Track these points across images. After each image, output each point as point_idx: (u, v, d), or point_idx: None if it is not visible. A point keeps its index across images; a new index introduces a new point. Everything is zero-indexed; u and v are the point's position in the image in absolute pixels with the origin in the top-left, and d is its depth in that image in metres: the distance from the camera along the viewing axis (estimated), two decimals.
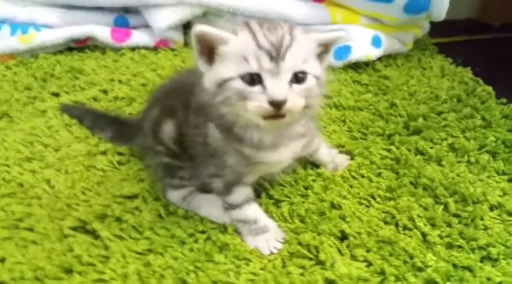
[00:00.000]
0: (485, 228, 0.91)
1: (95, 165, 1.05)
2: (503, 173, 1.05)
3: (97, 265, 0.83)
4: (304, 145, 0.88)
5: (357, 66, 1.43)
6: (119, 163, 1.06)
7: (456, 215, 0.94)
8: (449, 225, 0.92)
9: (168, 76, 1.23)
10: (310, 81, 0.72)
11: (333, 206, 0.95)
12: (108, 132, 1.12)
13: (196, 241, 0.88)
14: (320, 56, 0.77)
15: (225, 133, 0.79)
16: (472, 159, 1.08)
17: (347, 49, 1.39)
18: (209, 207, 0.94)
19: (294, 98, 0.69)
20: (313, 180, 1.01)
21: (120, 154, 1.08)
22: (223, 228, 0.91)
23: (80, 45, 1.48)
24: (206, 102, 0.75)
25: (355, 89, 1.32)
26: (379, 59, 1.45)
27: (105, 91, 1.27)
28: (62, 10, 1.46)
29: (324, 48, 0.77)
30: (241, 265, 0.84)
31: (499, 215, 0.94)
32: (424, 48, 1.58)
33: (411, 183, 1.01)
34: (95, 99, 1.24)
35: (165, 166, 0.95)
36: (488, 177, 1.04)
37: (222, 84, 0.70)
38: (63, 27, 1.42)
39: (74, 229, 0.91)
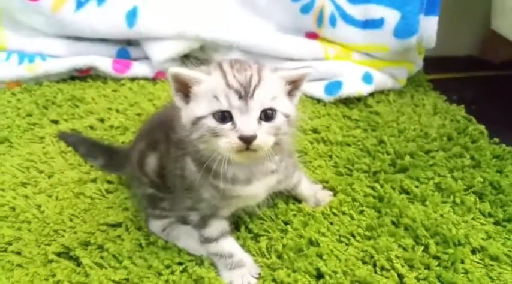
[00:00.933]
0: (466, 272, 0.90)
1: (84, 192, 1.07)
2: (490, 215, 1.04)
3: None
4: (278, 181, 0.88)
5: (348, 102, 1.44)
6: (107, 191, 1.08)
7: (436, 258, 0.92)
8: (428, 267, 0.90)
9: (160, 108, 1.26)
10: (279, 119, 0.74)
11: (311, 243, 0.95)
12: (100, 160, 1.15)
13: (172, 273, 0.89)
14: (290, 93, 0.79)
15: (201, 167, 0.81)
16: (458, 200, 1.06)
17: (338, 84, 1.41)
18: (187, 238, 0.95)
19: (263, 135, 0.72)
20: (294, 215, 1.01)
21: (109, 182, 1.10)
22: (200, 261, 0.91)
23: (83, 75, 1.53)
24: (184, 137, 0.78)
25: (345, 124, 1.33)
26: (371, 94, 1.46)
27: (101, 120, 1.31)
28: (68, 41, 1.52)
29: (293, 86, 0.79)
30: None
31: (481, 260, 0.93)
32: (418, 84, 1.58)
33: (392, 223, 1.00)
34: (91, 127, 1.28)
35: (149, 197, 0.97)
36: (473, 218, 1.02)
37: (196, 121, 0.73)
38: (67, 57, 1.48)
39: (58, 254, 0.93)
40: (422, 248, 0.94)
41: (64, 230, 0.97)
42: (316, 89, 1.43)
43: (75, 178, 1.10)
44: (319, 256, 0.92)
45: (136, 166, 0.96)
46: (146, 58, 1.54)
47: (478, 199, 1.07)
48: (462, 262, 0.91)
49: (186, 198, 0.87)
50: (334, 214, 1.02)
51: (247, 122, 0.70)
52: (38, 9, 1.45)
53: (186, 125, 0.75)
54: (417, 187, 1.10)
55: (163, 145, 0.90)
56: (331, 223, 1.00)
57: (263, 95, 0.72)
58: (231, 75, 0.72)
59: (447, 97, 1.51)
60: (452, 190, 1.09)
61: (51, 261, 0.91)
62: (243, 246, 0.93)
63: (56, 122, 1.31)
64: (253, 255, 0.93)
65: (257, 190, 0.85)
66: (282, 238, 0.96)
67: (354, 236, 0.97)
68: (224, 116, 0.71)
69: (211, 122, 0.72)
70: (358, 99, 1.45)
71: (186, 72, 0.73)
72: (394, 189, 1.09)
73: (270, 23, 1.53)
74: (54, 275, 0.88)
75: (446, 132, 1.29)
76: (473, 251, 0.94)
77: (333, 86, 1.41)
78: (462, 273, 0.89)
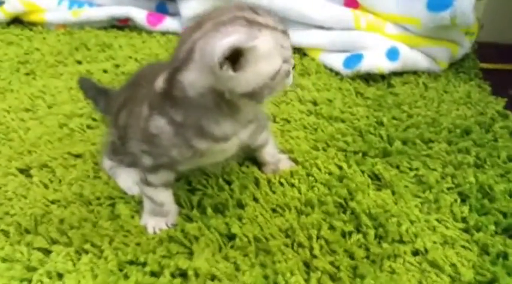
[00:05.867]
0: (392, 271, 0.82)
1: (67, 124, 1.23)
2: (463, 220, 0.92)
3: (13, 201, 1.00)
4: (250, 134, 0.90)
5: (370, 78, 1.37)
6: (88, 126, 1.22)
7: (367, 249, 0.87)
8: (351, 257, 0.85)
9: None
10: None
11: (239, 205, 0.96)
12: (101, 105, 1.26)
13: (100, 205, 0.98)
14: None
15: (181, 129, 0.83)
16: (432, 197, 0.96)
17: (358, 57, 1.35)
18: (125, 178, 1.03)
19: None
20: (238, 177, 1.03)
21: (93, 119, 1.25)
22: (129, 200, 0.99)
23: (122, 25, 1.73)
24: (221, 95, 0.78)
25: (353, 101, 1.27)
26: (401, 74, 1.36)
27: (117, 66, 1.46)
28: None
29: None
30: (119, 235, 0.91)
31: (418, 263, 0.84)
32: (464, 71, 1.42)
33: (339, 204, 0.96)
34: (105, 71, 1.44)
35: (113, 144, 1.06)
36: (438, 219, 0.92)
37: (273, 76, 0.75)
38: (108, 6, 1.67)
39: (21, 170, 1.09)
40: (358, 237, 0.89)
41: (35, 152, 1.13)
42: (336, 61, 1.39)
43: (68, 111, 1.27)
44: (239, 218, 0.93)
45: (113, 116, 1.05)
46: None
47: (459, 201, 0.96)
48: (393, 260, 0.84)
49: (144, 144, 0.90)
50: (281, 184, 1.01)
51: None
52: None
53: (248, 87, 0.75)
54: (392, 175, 1.02)
55: (131, 104, 0.95)
56: (274, 192, 0.99)
57: None
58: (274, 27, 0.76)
59: (502, 90, 1.32)
60: (432, 185, 0.99)
61: (10, 174, 1.07)
62: (175, 195, 0.97)
63: (79, 63, 1.50)
64: (182, 206, 0.97)
65: (231, 144, 0.87)
66: (217, 196, 0.99)
67: (289, 209, 0.96)
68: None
69: (286, 67, 0.77)
70: (383, 77, 1.37)
71: (245, 46, 0.71)
72: (363, 172, 1.03)
73: None
74: (6, 185, 1.04)
75: (465, 124, 1.15)
76: (416, 253, 0.86)
77: (353, 59, 1.36)
78: (387, 271, 0.82)
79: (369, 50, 1.35)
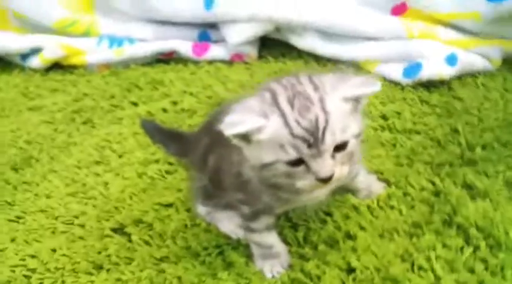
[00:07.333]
0: None
1: (146, 172, 1.24)
2: None
3: (121, 265, 1.02)
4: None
5: (430, 85, 1.38)
6: (167, 172, 1.24)
7: (484, 261, 0.90)
8: (472, 271, 0.88)
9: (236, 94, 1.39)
10: (351, 144, 0.74)
11: (349, 236, 0.99)
12: (171, 148, 1.24)
13: (209, 255, 1.01)
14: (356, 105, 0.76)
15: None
16: None
17: (418, 66, 1.37)
18: (227, 222, 1.05)
19: (340, 168, 0.73)
20: (337, 207, 1.05)
21: (170, 164, 1.26)
22: (237, 245, 1.02)
23: (166, 58, 1.72)
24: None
25: (420, 110, 1.30)
26: (458, 77, 1.39)
27: (175, 103, 1.47)
28: (155, 25, 1.70)
29: (357, 101, 0.75)
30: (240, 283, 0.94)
31: None
32: None
33: (444, 221, 0.99)
34: (164, 110, 1.45)
35: (204, 189, 1.06)
36: None
37: (264, 166, 0.75)
38: (152, 41, 1.68)
39: (114, 230, 1.11)
40: (471, 249, 0.92)
41: (123, 208, 1.15)
42: (394, 71, 1.41)
43: (141, 159, 1.29)
44: (354, 250, 0.96)
45: (200, 159, 1.04)
46: (225, 40, 1.64)
47: None
48: None
49: (239, 193, 0.92)
50: (381, 208, 1.04)
51: (321, 164, 0.71)
52: None
53: (252, 164, 0.78)
54: (483, 182, 1.04)
55: (219, 147, 0.94)
56: (376, 217, 1.02)
57: (333, 133, 0.70)
58: (294, 122, 0.69)
59: None
60: None
61: (107, 236, 1.10)
62: (280, 234, 0.99)
63: (135, 104, 1.52)
64: (289, 244, 1.00)
65: (320, 194, 0.88)
66: (321, 229, 1.02)
67: (397, 233, 0.99)
68: (296, 162, 0.72)
69: (282, 167, 0.73)
70: (442, 83, 1.38)
71: (241, 129, 0.70)
72: (455, 183, 1.06)
73: None
74: (106, 249, 1.06)
75: None
76: None
77: (413, 69, 1.38)
78: None
79: (426, 58, 1.37)
